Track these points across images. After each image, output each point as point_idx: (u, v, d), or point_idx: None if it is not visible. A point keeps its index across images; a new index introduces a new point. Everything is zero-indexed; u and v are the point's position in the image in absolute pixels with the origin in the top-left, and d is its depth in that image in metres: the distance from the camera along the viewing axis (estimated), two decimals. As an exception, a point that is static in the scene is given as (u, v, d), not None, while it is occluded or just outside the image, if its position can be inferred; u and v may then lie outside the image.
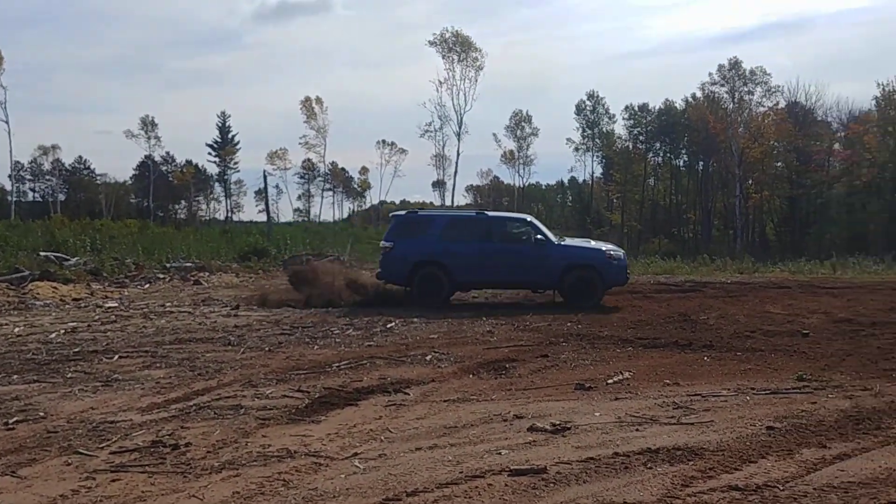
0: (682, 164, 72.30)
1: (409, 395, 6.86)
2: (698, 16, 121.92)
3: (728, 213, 63.60)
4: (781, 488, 4.20)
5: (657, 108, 70.00)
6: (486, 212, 18.07)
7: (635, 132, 71.19)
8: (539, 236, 15.57)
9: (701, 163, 68.65)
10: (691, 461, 4.69)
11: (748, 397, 6.52)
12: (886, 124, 53.25)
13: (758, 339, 9.97)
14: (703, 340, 9.75)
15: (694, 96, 65.41)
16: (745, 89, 58.52)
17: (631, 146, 71.75)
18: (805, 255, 37.67)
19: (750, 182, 60.82)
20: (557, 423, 5.61)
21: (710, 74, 60.33)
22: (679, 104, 68.38)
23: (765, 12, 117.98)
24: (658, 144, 71.29)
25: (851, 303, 14.39)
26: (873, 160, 52.53)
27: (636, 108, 70.47)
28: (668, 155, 71.99)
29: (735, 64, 58.19)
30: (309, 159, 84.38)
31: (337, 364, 8.29)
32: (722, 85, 59.39)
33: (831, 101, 67.80)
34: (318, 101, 76.93)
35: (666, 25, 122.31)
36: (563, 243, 15.82)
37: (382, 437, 5.42)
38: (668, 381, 7.27)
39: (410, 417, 6.02)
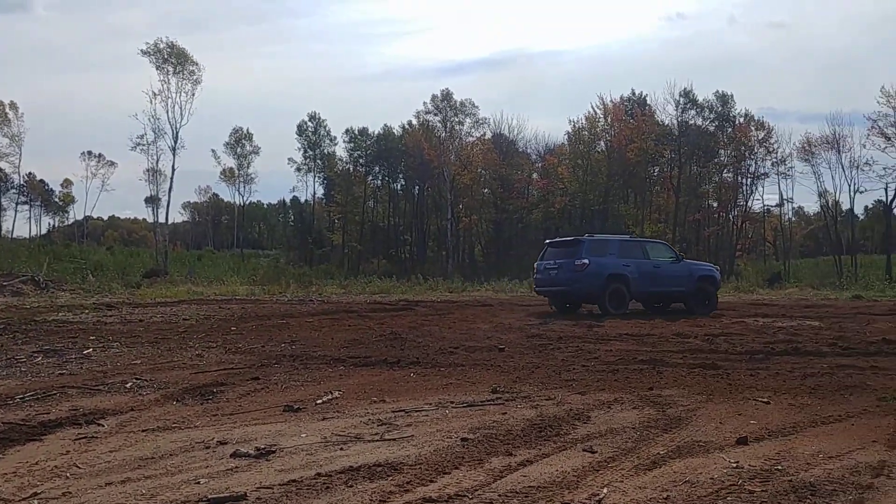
0: (399, 187, 75.01)
1: (103, 426, 6.36)
2: (417, 47, 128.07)
3: (441, 235, 66.94)
4: (471, 497, 4.45)
5: (376, 132, 72.12)
6: (638, 237, 22.48)
7: (355, 155, 72.67)
8: (676, 254, 19.62)
9: (417, 187, 71.73)
10: (390, 476, 4.83)
11: (447, 410, 6.87)
12: (576, 157, 59.44)
13: (460, 354, 10.58)
14: (410, 357, 10.13)
15: (410, 123, 68.36)
16: (456, 119, 62.19)
17: (351, 168, 73.10)
18: (508, 274, 40.74)
19: (460, 206, 64.51)
20: (262, 446, 5.51)
21: (424, 103, 63.42)
22: (397, 130, 71.05)
23: (475, 49, 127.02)
24: (377, 168, 73.32)
25: (543, 319, 15.79)
26: (565, 189, 58.26)
27: (356, 132, 72.00)
28: (387, 178, 74.31)
29: (447, 95, 61.67)
30: (0, 169, 75.61)
31: (21, 396, 7.46)
32: (435, 114, 62.64)
33: (530, 134, 74.38)
34: (13, 105, 69.24)
35: (386, 54, 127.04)
36: (687, 260, 20.22)
37: (68, 474, 4.96)
38: (375, 399, 7.45)
39: (103, 450, 5.57)
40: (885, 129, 51.87)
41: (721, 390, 7.91)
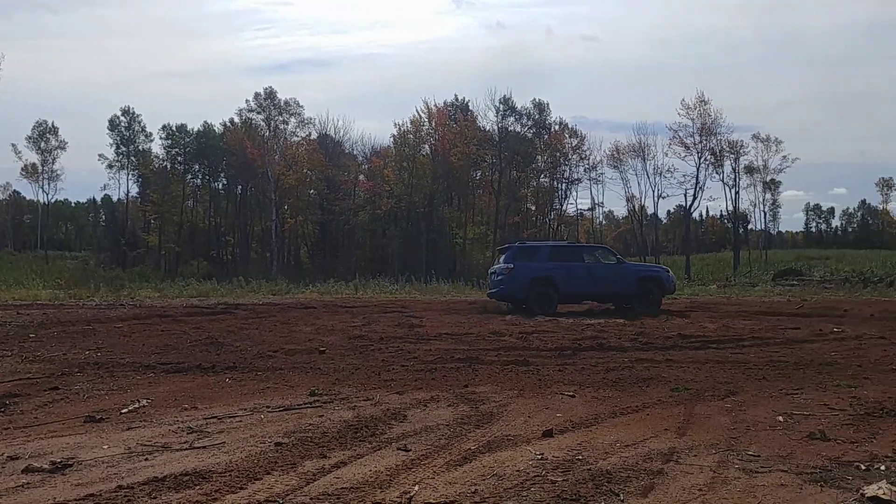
0: (221, 186, 72.65)
1: None
2: (235, 45, 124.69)
3: (265, 236, 65.50)
4: (282, 501, 4.38)
5: (196, 129, 69.40)
6: (575, 243, 25.76)
7: (173, 152, 69.56)
8: (617, 257, 20.93)
9: (240, 187, 69.78)
10: (198, 485, 4.66)
11: (262, 415, 6.73)
12: (402, 160, 60.05)
13: (279, 358, 10.38)
14: (226, 362, 9.83)
15: (232, 121, 66.40)
16: (281, 118, 61.20)
17: (169, 166, 69.93)
18: (334, 276, 40.53)
19: (286, 207, 63.49)
20: (59, 460, 5.15)
21: (247, 101, 61.89)
22: (218, 128, 68.78)
23: (299, 49, 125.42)
24: (197, 166, 70.61)
25: (367, 320, 15.81)
26: (391, 191, 58.73)
27: (174, 129, 68.95)
28: (208, 177, 71.77)
29: (270, 94, 60.54)
30: None
31: None
32: (259, 112, 61.25)
33: (357, 136, 74.47)
34: None
35: (203, 49, 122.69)
36: (631, 263, 21.74)
37: None
38: (186, 406, 7.17)
39: None
40: (685, 139, 56.66)
41: (531, 386, 8.25)
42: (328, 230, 62.20)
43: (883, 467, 5.06)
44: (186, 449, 5.56)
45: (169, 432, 6.09)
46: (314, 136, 63.28)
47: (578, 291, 19.94)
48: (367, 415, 6.70)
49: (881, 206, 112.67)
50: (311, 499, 4.45)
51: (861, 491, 4.48)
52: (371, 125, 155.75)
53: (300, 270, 55.66)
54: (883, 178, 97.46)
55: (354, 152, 65.20)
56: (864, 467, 5.06)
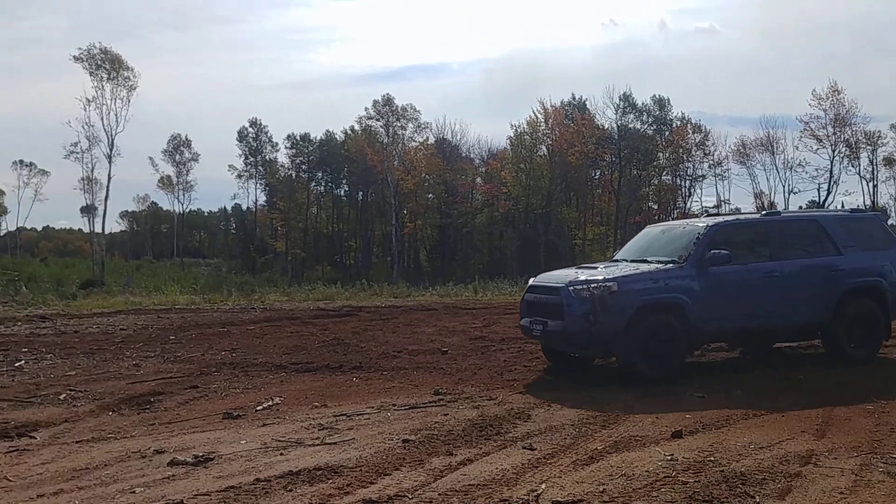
0: (343, 193, 74.71)
1: (35, 438, 6.20)
2: (349, 54, 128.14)
3: (386, 240, 66.85)
4: (411, 497, 4.47)
5: (318, 138, 71.70)
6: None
7: (298, 161, 72.13)
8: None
9: (361, 192, 71.63)
10: (330, 479, 4.82)
11: (389, 413, 6.87)
12: (519, 162, 59.90)
13: (403, 358, 10.56)
14: (353, 362, 10.08)
15: (352, 129, 68.17)
16: (399, 124, 62.24)
17: (294, 175, 72.56)
18: (453, 279, 40.84)
19: (405, 211, 64.51)
20: (200, 454, 5.43)
21: (366, 109, 63.29)
22: (339, 136, 70.76)
23: (408, 56, 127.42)
24: (320, 174, 72.90)
25: (487, 322, 15.84)
26: (509, 193, 58.67)
27: (298, 138, 71.47)
28: (330, 184, 73.97)
29: (388, 100, 61.64)
30: (-72, 180, 73.19)
31: (-53, 411, 7.24)
32: (377, 119, 62.54)
33: (473, 139, 74.65)
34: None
35: (320, 60, 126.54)
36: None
37: (-2, 488, 4.83)
38: (317, 404, 7.41)
39: (35, 462, 5.44)
40: (817, 132, 53.96)
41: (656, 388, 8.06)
42: (447, 233, 62.81)
43: None
44: (318, 444, 5.74)
45: (301, 429, 6.31)
46: (431, 140, 64.14)
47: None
48: (492, 414, 6.73)
49: None
50: (439, 494, 4.51)
51: None
52: (486, 128, 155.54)
53: (420, 273, 56.42)
54: None
55: (471, 155, 65.62)
56: None
